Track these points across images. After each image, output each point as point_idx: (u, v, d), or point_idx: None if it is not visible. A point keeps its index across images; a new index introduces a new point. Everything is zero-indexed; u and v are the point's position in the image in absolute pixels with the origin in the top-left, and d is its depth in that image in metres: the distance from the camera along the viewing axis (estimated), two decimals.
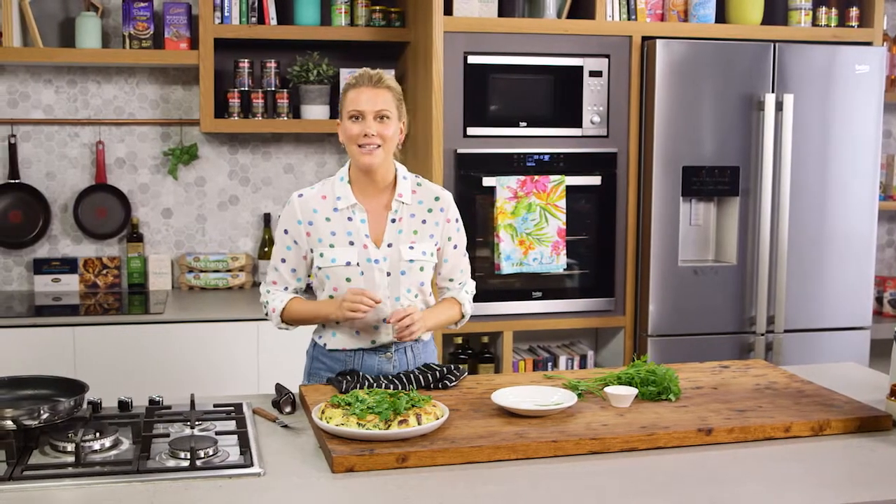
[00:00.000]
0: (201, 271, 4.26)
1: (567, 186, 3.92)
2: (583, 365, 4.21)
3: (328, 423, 2.14)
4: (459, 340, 4.08)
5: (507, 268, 3.88)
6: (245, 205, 4.37)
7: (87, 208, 4.20)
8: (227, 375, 3.70)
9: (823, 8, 4.23)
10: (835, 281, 4.13)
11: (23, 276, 4.21)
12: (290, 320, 2.67)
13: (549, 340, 4.37)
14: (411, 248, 2.64)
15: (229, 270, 4.29)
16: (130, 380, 3.54)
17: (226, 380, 3.68)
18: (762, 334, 4.05)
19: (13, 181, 4.13)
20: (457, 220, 2.76)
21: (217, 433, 2.17)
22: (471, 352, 4.10)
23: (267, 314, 2.71)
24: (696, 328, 4.03)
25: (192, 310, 3.85)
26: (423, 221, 2.68)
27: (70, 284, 4.19)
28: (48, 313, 3.83)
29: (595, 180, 3.99)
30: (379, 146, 2.56)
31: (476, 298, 3.85)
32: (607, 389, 2.40)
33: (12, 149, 4.11)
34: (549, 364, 4.17)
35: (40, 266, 4.17)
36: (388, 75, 2.63)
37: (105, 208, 4.22)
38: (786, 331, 4.08)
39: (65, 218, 4.22)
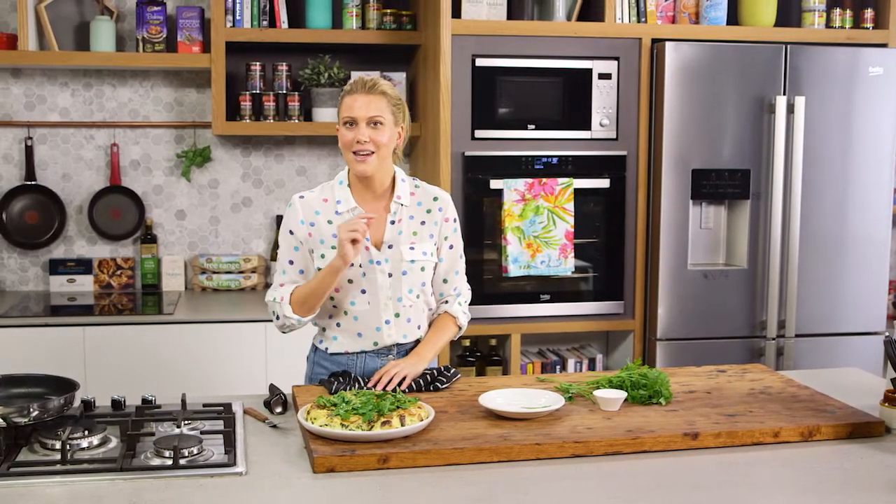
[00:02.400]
0: (214, 272, 4.30)
1: (575, 189, 3.92)
2: (591, 368, 4.20)
3: (312, 423, 2.15)
4: (467, 343, 4.09)
5: (514, 270, 3.88)
6: (258, 207, 4.40)
7: (101, 210, 4.26)
8: (236, 375, 3.74)
9: (838, 9, 4.19)
10: (848, 285, 4.09)
11: (39, 276, 4.28)
12: (298, 302, 2.60)
13: (559, 343, 4.37)
14: (412, 248, 2.65)
15: (241, 272, 4.33)
16: (139, 379, 3.58)
17: (234, 380, 3.71)
18: (773, 339, 4.02)
19: (30, 183, 4.20)
20: (455, 221, 2.75)
21: (203, 433, 2.19)
22: (479, 354, 4.10)
23: (276, 314, 2.66)
24: (706, 332, 4.01)
25: (202, 311, 3.89)
26: (423, 222, 2.68)
27: (85, 285, 4.25)
28: (63, 313, 3.88)
29: (604, 183, 3.98)
30: (372, 153, 2.55)
31: (484, 301, 3.89)
32: (596, 393, 2.40)
33: (29, 151, 4.18)
34: (558, 367, 4.16)
35: (56, 266, 4.23)
36: (386, 81, 2.62)
37: (119, 210, 4.27)
38: (797, 335, 4.04)
39: (80, 219, 4.28)
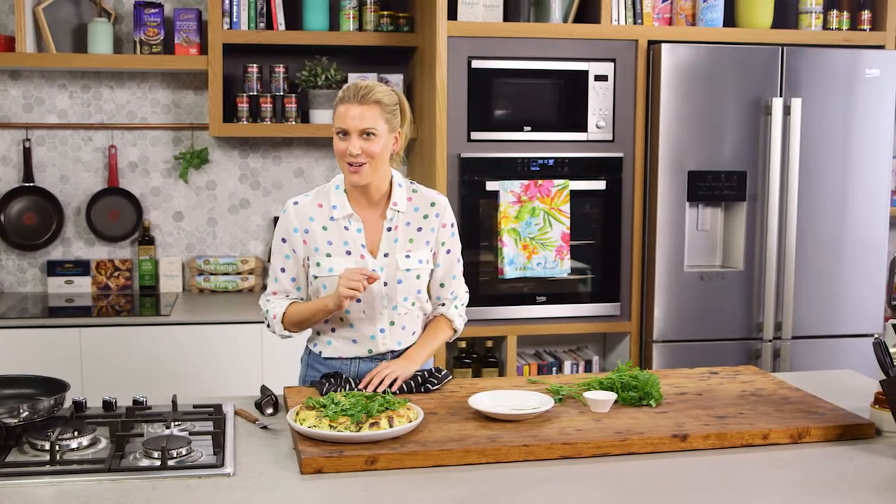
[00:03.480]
0: (211, 274, 4.31)
1: (571, 191, 3.92)
2: (588, 370, 4.19)
3: (301, 424, 2.16)
4: (463, 345, 4.08)
5: (510, 272, 3.88)
6: (255, 208, 4.41)
7: (99, 211, 4.27)
8: (232, 377, 3.74)
9: (835, 11, 4.18)
10: (845, 287, 4.08)
11: (37, 277, 4.29)
12: (290, 323, 2.64)
13: (556, 345, 4.36)
14: (407, 256, 2.63)
15: (239, 273, 4.33)
16: (135, 380, 3.58)
17: (230, 381, 3.71)
18: (769, 341, 4.02)
19: (28, 184, 4.21)
20: (452, 226, 2.73)
21: (192, 433, 2.20)
22: (475, 356, 4.10)
23: (268, 324, 2.68)
24: (703, 334, 4.00)
25: (200, 312, 3.90)
26: (419, 229, 2.66)
27: (83, 286, 4.26)
28: (60, 315, 3.89)
29: (600, 185, 3.98)
30: (365, 164, 2.53)
31: (480, 302, 3.89)
32: (586, 394, 2.40)
33: (27, 152, 4.19)
34: (554, 369, 4.16)
35: (54, 268, 4.24)
36: (382, 86, 2.57)
37: (117, 211, 4.28)
38: (794, 337, 4.04)
39: (78, 221, 4.29)
